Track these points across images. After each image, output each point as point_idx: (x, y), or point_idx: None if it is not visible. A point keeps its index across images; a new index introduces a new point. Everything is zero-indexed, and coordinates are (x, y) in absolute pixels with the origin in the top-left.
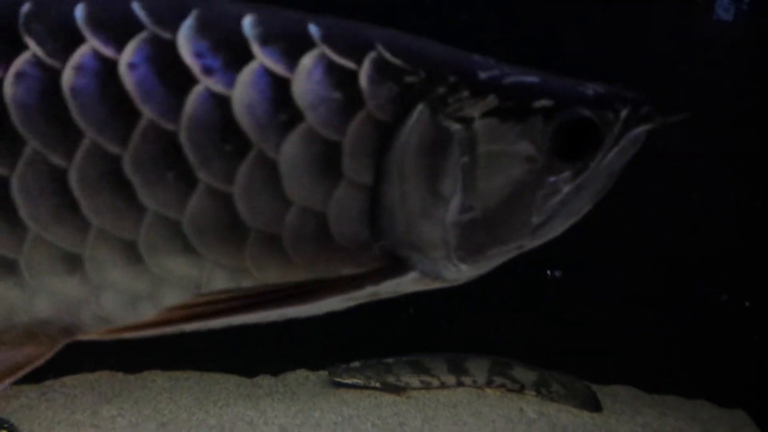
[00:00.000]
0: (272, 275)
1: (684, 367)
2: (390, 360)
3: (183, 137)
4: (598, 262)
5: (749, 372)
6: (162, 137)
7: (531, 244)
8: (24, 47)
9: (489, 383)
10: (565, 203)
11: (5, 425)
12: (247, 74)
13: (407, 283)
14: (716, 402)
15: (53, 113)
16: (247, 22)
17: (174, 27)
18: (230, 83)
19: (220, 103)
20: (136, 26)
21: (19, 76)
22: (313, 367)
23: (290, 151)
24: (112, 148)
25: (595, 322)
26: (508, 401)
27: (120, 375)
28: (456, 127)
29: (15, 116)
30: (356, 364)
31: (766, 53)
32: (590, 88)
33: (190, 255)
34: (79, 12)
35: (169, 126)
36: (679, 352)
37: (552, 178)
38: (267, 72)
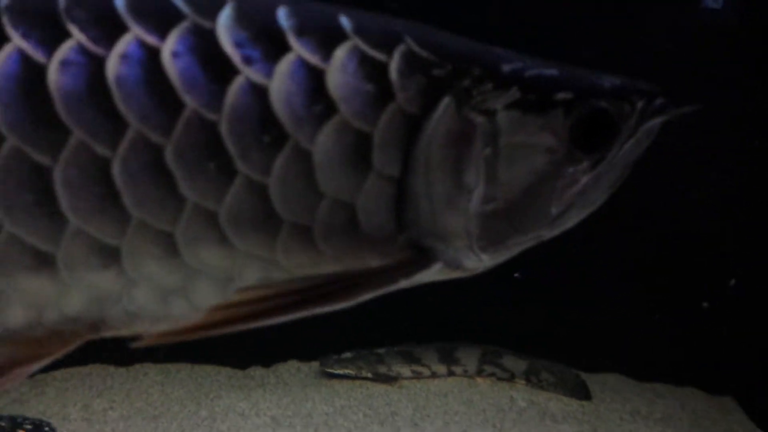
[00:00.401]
0: (301, 267)
1: (673, 355)
2: (381, 350)
3: (224, 128)
4: (587, 251)
5: (738, 360)
6: (204, 127)
7: (549, 234)
8: (67, 34)
9: (479, 372)
10: (583, 194)
11: (46, 428)
12: (284, 65)
13: (430, 274)
14: (705, 389)
15: (98, 102)
16: (282, 13)
17: (213, 16)
18: (269, 73)
19: (260, 94)
20: (177, 15)
21: (64, 63)
22: (305, 358)
23: (324, 142)
24: (156, 138)
25: (584, 311)
26: (499, 390)
27: (111, 368)
28: (480, 119)
29: (59, 105)
30: (347, 354)
31: (756, 41)
32: (607, 81)
33: (225, 246)
34: (121, 0)
35: (211, 116)
36: (667, 340)
37: (571, 169)
38: (303, 63)
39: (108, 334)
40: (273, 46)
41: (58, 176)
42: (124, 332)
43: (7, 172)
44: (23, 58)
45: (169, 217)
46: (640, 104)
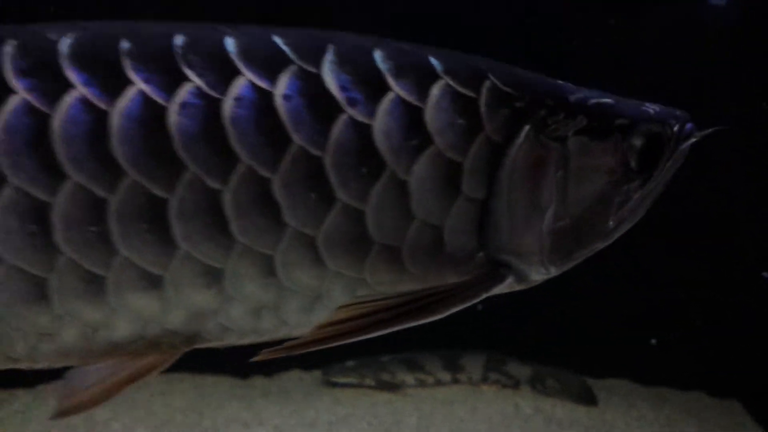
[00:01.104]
0: (384, 284)
1: (679, 360)
2: (385, 358)
3: (327, 161)
4: (591, 258)
5: (743, 363)
6: (309, 162)
7: (602, 245)
8: (185, 78)
9: (484, 380)
10: (633, 209)
11: None
12: (385, 104)
13: (502, 287)
14: (711, 393)
15: (213, 140)
16: (378, 56)
17: (317, 61)
18: (371, 113)
19: (362, 130)
20: (283, 60)
21: (183, 105)
22: (307, 367)
23: (419, 171)
24: (265, 172)
25: (590, 316)
26: (504, 397)
27: None
28: (554, 144)
29: (177, 143)
30: (351, 363)
31: (759, 37)
32: (650, 107)
33: (318, 267)
34: (231, 45)
35: (316, 151)
36: (673, 345)
37: (626, 187)
38: (402, 102)
39: (200, 345)
40: (373, 87)
41: (172, 207)
42: (214, 344)
43: (126, 203)
44: (145, 100)
45: (271, 242)
46: (676, 128)
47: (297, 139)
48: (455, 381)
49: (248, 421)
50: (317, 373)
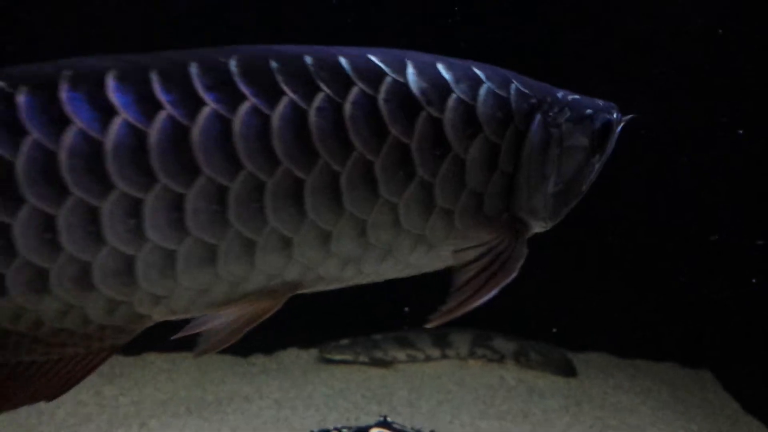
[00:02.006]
0: (440, 239)
1: (653, 333)
2: (378, 336)
3: (413, 147)
4: (572, 239)
5: (713, 335)
6: (401, 148)
7: (576, 204)
8: (318, 89)
9: (471, 355)
10: (594, 178)
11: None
12: (451, 103)
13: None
14: (683, 364)
15: (338, 135)
16: (441, 68)
17: (403, 73)
18: (442, 110)
19: (436, 123)
20: (381, 73)
21: (318, 110)
22: (304, 345)
23: (473, 152)
24: (371, 157)
25: (569, 293)
26: (490, 370)
27: (120, 357)
28: (554, 130)
29: (315, 138)
30: (345, 341)
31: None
32: (599, 101)
33: (396, 227)
34: (345, 63)
35: (406, 140)
36: (647, 319)
37: (593, 161)
38: (462, 101)
39: (300, 292)
40: (441, 91)
41: (308, 186)
42: (307, 291)
43: (278, 185)
44: (294, 107)
45: (368, 210)
46: (616, 116)
47: (394, 131)
48: (444, 356)
49: (249, 395)
50: (314, 351)
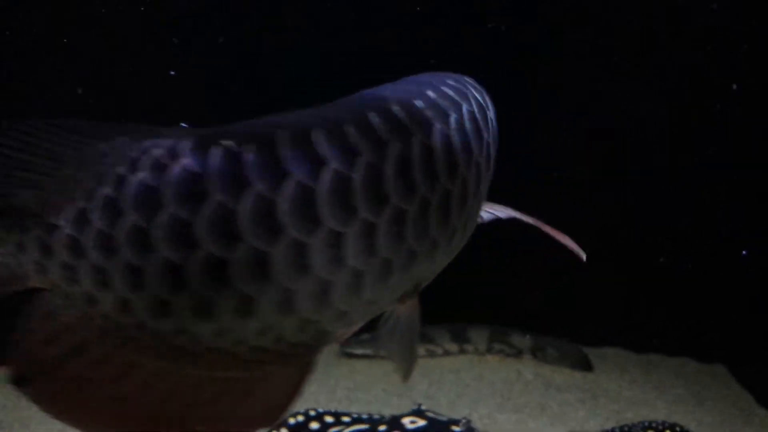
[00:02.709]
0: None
1: (667, 328)
2: None
3: (482, 165)
4: (587, 237)
5: (728, 330)
6: (478, 167)
7: None
8: (431, 124)
9: (489, 350)
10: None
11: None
12: (490, 126)
13: None
14: (698, 358)
15: (448, 161)
16: (478, 95)
17: (469, 102)
18: (489, 134)
19: (488, 146)
20: (457, 102)
21: (425, 142)
22: None
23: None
24: (448, 185)
25: (586, 290)
26: (507, 365)
27: None
28: None
29: (439, 163)
30: (366, 336)
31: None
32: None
33: (449, 245)
34: (420, 103)
35: (480, 159)
36: (662, 315)
37: None
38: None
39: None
40: (484, 115)
41: (432, 207)
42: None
43: (417, 210)
44: (422, 144)
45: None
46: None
47: (476, 155)
48: (462, 351)
49: None
50: (335, 346)
